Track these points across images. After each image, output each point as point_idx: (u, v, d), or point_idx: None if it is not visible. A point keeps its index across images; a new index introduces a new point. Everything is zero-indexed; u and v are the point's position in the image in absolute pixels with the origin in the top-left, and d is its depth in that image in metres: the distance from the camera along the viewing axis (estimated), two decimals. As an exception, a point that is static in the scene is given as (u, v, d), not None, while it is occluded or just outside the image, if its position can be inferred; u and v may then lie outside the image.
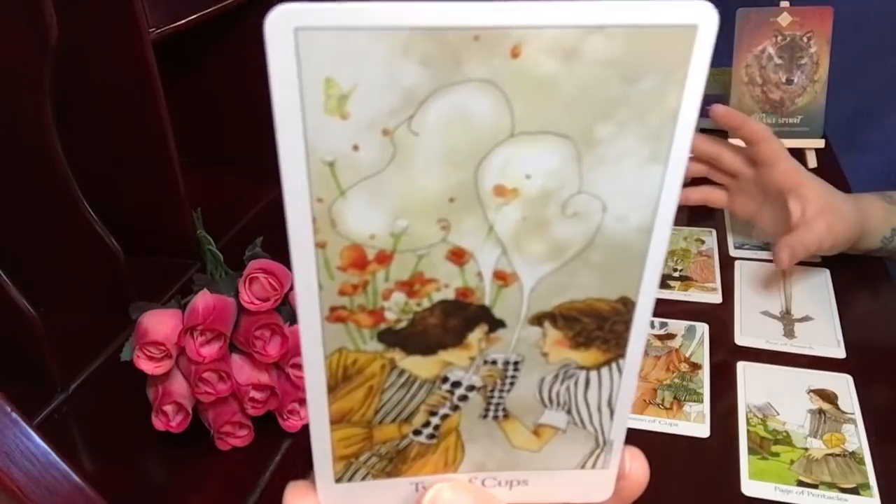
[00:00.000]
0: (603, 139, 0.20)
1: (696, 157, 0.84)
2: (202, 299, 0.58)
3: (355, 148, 0.19)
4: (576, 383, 0.24)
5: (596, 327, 0.23)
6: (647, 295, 0.22)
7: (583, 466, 0.26)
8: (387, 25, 0.18)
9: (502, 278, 0.21)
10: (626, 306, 0.22)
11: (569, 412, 0.24)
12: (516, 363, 0.23)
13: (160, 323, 0.58)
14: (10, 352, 0.62)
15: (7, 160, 0.67)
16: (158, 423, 0.58)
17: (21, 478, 0.47)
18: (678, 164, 0.20)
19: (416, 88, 0.18)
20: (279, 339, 0.58)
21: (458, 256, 0.21)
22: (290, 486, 0.25)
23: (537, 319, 0.22)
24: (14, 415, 0.48)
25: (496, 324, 0.22)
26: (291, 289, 0.58)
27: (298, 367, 0.59)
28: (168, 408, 0.58)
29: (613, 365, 0.24)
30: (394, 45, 0.18)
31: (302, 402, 0.60)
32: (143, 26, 0.69)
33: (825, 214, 0.73)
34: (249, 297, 0.58)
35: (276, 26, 0.17)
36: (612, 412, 0.25)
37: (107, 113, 0.74)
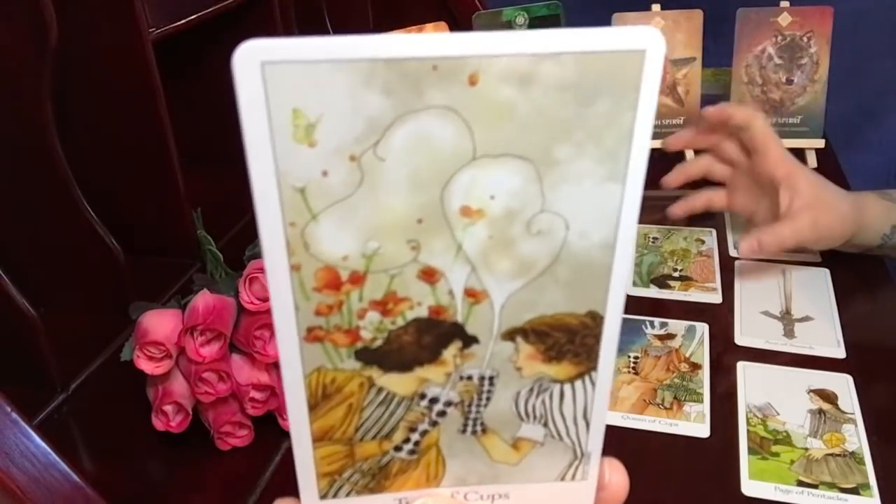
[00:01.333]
0: (561, 160, 0.20)
1: (699, 150, 0.84)
2: (202, 299, 0.58)
3: (324, 174, 0.20)
4: (550, 397, 0.24)
5: (567, 341, 0.23)
6: (615, 308, 0.23)
7: (562, 478, 0.26)
8: (349, 58, 0.18)
9: (473, 296, 0.22)
10: (594, 320, 0.23)
11: (545, 425, 0.25)
12: (491, 378, 0.24)
13: (160, 323, 0.58)
14: (10, 352, 0.62)
15: (7, 160, 0.67)
16: (158, 423, 0.58)
17: (21, 478, 0.47)
18: (636, 182, 0.21)
19: (379, 116, 0.19)
20: (279, 339, 0.58)
21: (429, 275, 0.22)
22: (278, 503, 0.25)
23: (509, 335, 0.23)
24: (14, 415, 0.48)
25: (469, 340, 0.23)
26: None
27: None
28: (168, 408, 0.58)
29: (586, 378, 0.24)
30: (356, 76, 0.19)
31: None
32: (143, 26, 0.69)
33: (812, 208, 0.73)
34: (249, 297, 0.58)
35: (244, 61, 0.18)
36: (587, 424, 0.25)
37: (107, 113, 0.74)
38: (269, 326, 0.58)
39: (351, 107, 0.19)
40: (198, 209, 0.73)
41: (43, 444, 0.48)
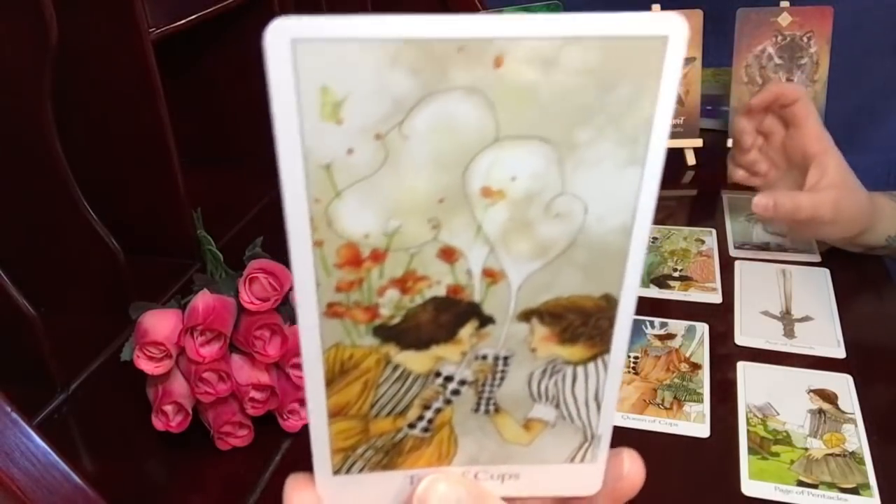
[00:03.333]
0: (582, 143, 0.21)
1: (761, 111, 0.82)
2: (202, 299, 0.58)
3: (349, 151, 0.20)
4: (563, 378, 0.25)
5: (581, 323, 0.24)
6: (630, 292, 0.23)
7: (572, 460, 0.26)
8: (377, 37, 0.19)
9: (491, 276, 0.22)
10: (609, 303, 0.23)
11: (557, 406, 0.25)
12: (506, 358, 0.24)
13: (160, 323, 0.58)
14: (10, 352, 0.62)
15: (7, 160, 0.67)
16: (158, 423, 0.58)
17: (21, 478, 0.47)
18: (655, 167, 0.21)
19: (405, 95, 0.19)
20: (279, 339, 0.58)
21: (449, 255, 0.22)
22: (291, 479, 0.25)
23: (525, 316, 0.23)
24: (14, 415, 0.48)
25: (486, 320, 0.23)
26: (291, 289, 0.58)
27: (298, 367, 0.59)
28: (168, 408, 0.58)
29: (599, 360, 0.25)
30: (384, 55, 0.19)
31: (302, 402, 0.60)
32: (143, 26, 0.69)
33: (838, 189, 0.73)
34: (249, 297, 0.58)
35: (275, 38, 0.18)
36: (598, 407, 0.25)
37: (107, 113, 0.74)
38: (269, 326, 0.58)
39: (377, 86, 0.19)
40: (198, 209, 0.73)
41: (43, 444, 0.48)
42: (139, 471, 0.61)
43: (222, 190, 0.96)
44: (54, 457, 0.48)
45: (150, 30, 0.70)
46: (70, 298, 0.74)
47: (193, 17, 0.78)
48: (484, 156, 0.20)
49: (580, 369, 0.25)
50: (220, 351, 0.57)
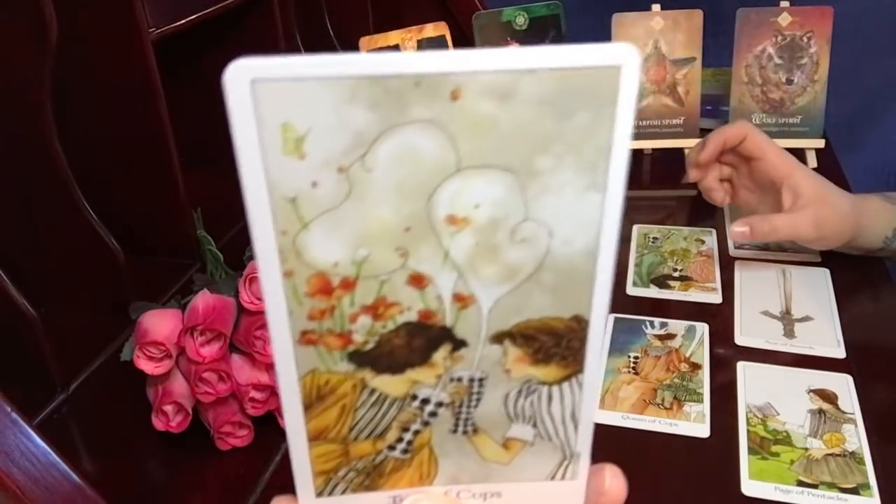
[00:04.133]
0: (543, 171, 0.21)
1: (713, 160, 0.82)
2: (202, 299, 0.58)
3: (314, 185, 0.20)
4: (539, 398, 0.25)
5: (553, 344, 0.24)
6: (599, 312, 0.24)
7: (552, 478, 0.27)
8: (334, 75, 0.19)
9: (461, 300, 0.23)
10: (580, 324, 0.24)
11: (535, 426, 0.26)
12: (481, 380, 0.25)
13: (160, 323, 0.58)
14: (10, 352, 0.62)
15: (7, 160, 0.67)
16: (158, 423, 0.58)
17: (21, 478, 0.47)
18: (616, 191, 0.22)
19: (365, 130, 0.20)
20: (279, 339, 0.58)
21: (418, 281, 0.22)
22: (275, 501, 0.26)
23: (497, 338, 0.24)
24: (14, 415, 0.48)
25: (459, 343, 0.24)
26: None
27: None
28: (168, 408, 0.58)
29: (573, 380, 0.25)
30: (341, 91, 0.19)
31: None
32: (143, 26, 0.69)
33: (815, 205, 0.73)
34: (249, 297, 0.58)
35: (235, 79, 0.19)
36: (576, 425, 0.26)
37: (107, 113, 0.74)
38: (269, 326, 0.58)
39: (338, 121, 0.20)
40: (198, 209, 0.73)
41: (43, 444, 0.48)
42: (139, 471, 0.61)
43: (222, 190, 0.95)
44: (54, 457, 0.48)
45: (150, 30, 0.70)
46: (70, 298, 0.74)
47: (193, 17, 0.78)
48: (447, 185, 0.21)
49: (555, 389, 0.25)
50: (220, 351, 0.57)
